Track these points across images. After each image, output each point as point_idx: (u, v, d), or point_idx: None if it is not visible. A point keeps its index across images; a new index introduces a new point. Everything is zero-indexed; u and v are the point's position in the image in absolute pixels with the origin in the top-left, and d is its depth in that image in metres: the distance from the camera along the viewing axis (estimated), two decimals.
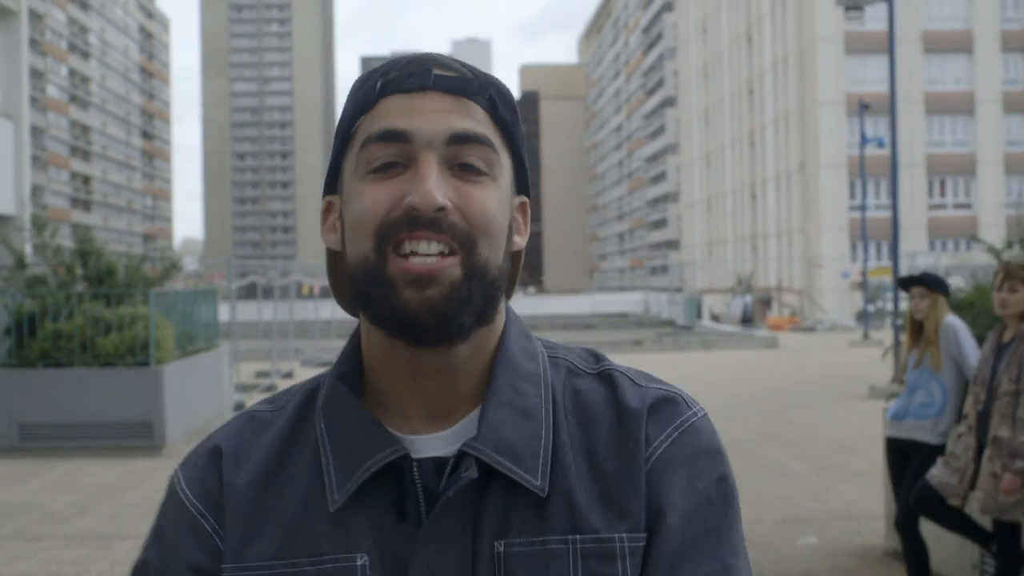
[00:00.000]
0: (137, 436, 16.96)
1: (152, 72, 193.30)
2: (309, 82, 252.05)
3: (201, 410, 19.39)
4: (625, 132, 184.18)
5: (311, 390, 1.73)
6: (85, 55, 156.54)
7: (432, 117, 1.59)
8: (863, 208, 48.65)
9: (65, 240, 21.79)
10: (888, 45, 25.95)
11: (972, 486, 7.49)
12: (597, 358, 1.72)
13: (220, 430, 1.74)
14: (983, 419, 7.43)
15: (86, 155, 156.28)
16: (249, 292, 38.49)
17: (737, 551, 1.61)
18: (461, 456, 1.59)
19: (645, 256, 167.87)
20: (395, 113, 1.60)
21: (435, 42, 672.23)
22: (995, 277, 7.61)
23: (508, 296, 1.75)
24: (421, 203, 1.53)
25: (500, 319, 1.66)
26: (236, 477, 1.66)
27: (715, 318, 64.94)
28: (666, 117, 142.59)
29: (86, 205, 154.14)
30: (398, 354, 1.61)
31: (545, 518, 1.58)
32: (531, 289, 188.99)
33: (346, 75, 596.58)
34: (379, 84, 1.63)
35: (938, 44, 75.98)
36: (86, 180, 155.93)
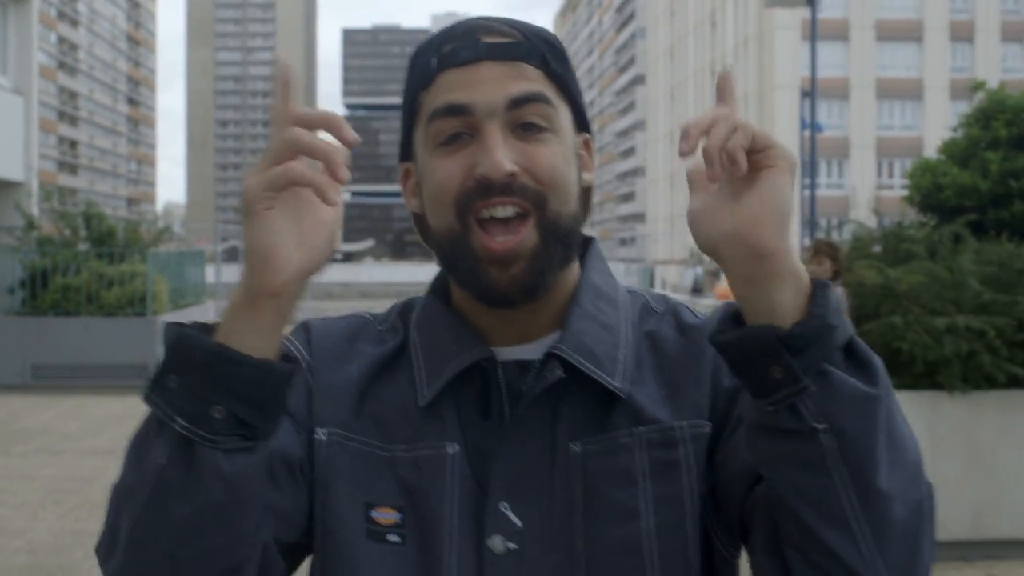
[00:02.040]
0: (135, 377, 19.07)
1: (138, 40, 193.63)
2: (292, 52, 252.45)
3: None
4: (597, 107, 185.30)
5: (407, 308, 1.82)
6: (74, 23, 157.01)
7: (489, 86, 1.61)
8: (812, 187, 50.65)
9: (56, 204, 23.83)
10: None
11: None
12: (666, 300, 1.79)
13: (338, 320, 1.83)
14: None
15: (73, 120, 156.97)
16: (231, 255, 40.40)
17: None
18: (547, 359, 1.63)
19: (614, 228, 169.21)
20: (454, 87, 1.62)
21: (416, 15, 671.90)
22: (807, 252, 9.79)
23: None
24: (491, 172, 1.56)
25: (575, 257, 1.70)
26: (338, 366, 1.74)
27: (672, 289, 67.16)
28: (636, 94, 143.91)
29: (72, 169, 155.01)
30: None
31: (613, 417, 1.63)
32: None
33: (327, 46, 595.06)
34: (434, 60, 1.66)
35: (890, 32, 78.19)
36: (73, 144, 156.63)
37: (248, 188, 1.44)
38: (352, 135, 1.44)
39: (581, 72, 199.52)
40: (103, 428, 15.25)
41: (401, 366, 1.73)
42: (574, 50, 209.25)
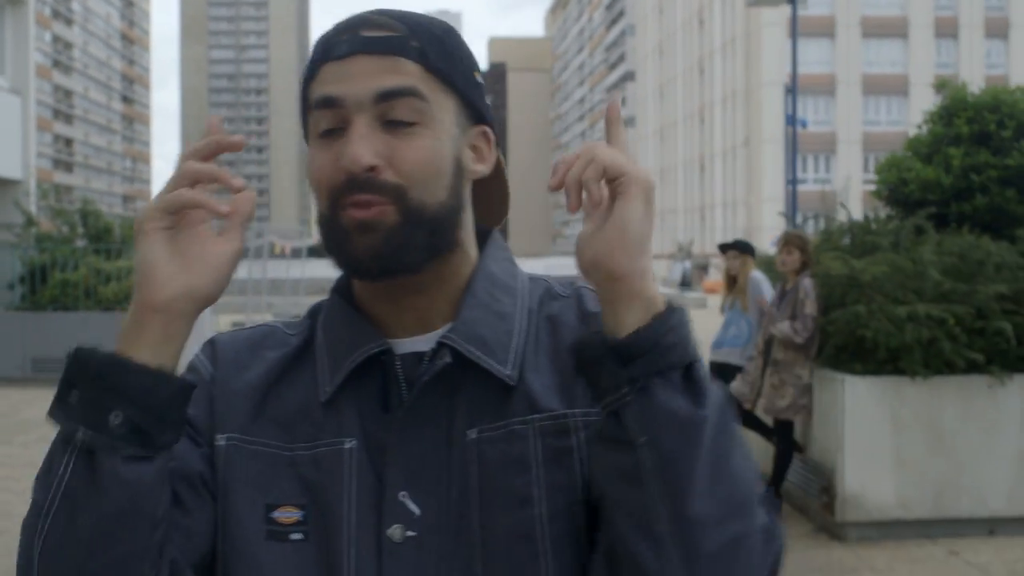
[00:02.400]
0: None
1: (132, 39, 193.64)
2: (284, 50, 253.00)
3: (185, 351, 21.80)
4: (588, 104, 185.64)
5: (316, 311, 1.84)
6: (68, 21, 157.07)
7: (359, 80, 1.62)
8: (794, 182, 51.02)
9: (53, 202, 24.29)
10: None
11: (759, 395, 10.03)
12: (573, 285, 1.81)
13: (244, 331, 1.86)
14: (768, 346, 9.97)
15: (68, 118, 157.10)
16: None
17: None
18: (439, 348, 1.66)
19: None
20: (330, 80, 1.64)
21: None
22: (778, 243, 10.16)
23: (498, 220, 1.87)
24: (350, 165, 1.58)
25: (468, 244, 1.74)
26: (237, 372, 1.77)
27: (661, 280, 67.76)
28: (627, 91, 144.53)
29: (68, 167, 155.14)
30: (374, 286, 1.70)
31: (509, 405, 1.65)
32: None
33: None
34: (319, 53, 1.68)
35: (876, 29, 78.68)
36: (68, 142, 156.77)
37: (141, 211, 1.54)
38: (238, 183, 1.56)
39: (572, 70, 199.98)
40: None
41: (305, 366, 1.76)
42: (565, 47, 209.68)
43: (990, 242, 9.72)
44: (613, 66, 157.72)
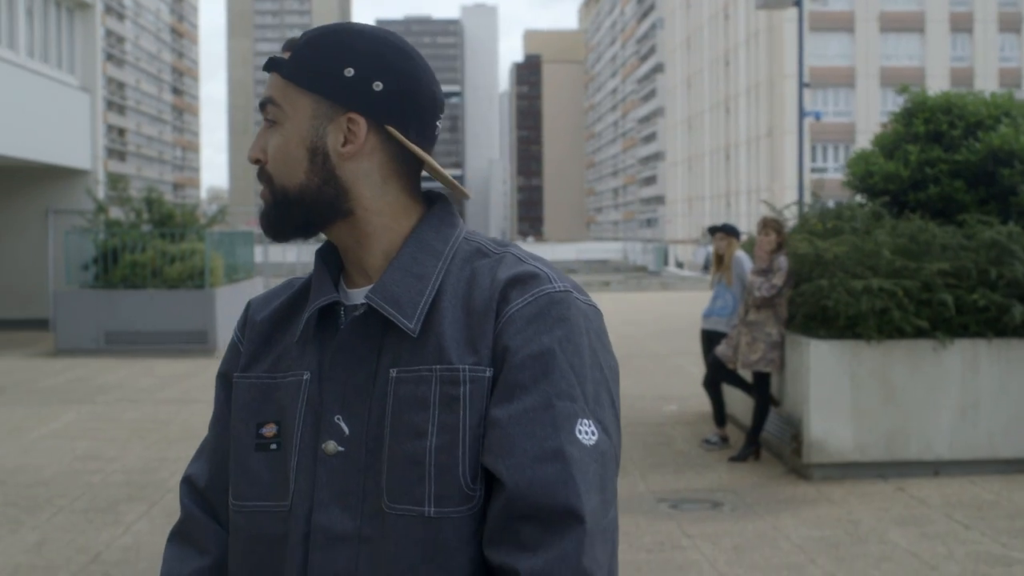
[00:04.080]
0: (195, 342, 21.00)
1: (182, 32, 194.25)
2: None
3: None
4: (620, 95, 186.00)
5: None
6: (120, 16, 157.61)
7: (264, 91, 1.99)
8: (800, 171, 52.01)
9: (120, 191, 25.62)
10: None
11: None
12: (504, 245, 1.99)
13: (271, 289, 2.22)
14: (746, 313, 11.28)
15: (121, 109, 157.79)
16: None
17: (567, 396, 1.82)
18: (363, 302, 1.94)
19: (636, 210, 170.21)
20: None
21: (447, 6, 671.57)
22: (757, 226, 11.44)
23: (462, 197, 2.06)
24: (248, 156, 1.98)
25: (384, 212, 1.96)
26: (257, 316, 2.12)
27: (680, 265, 68.80)
28: (657, 82, 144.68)
29: (121, 155, 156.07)
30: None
31: (423, 352, 1.87)
32: (530, 238, 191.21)
33: None
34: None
35: (893, 24, 79.33)
36: (121, 132, 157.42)
37: None
38: None
39: (604, 61, 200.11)
40: (170, 384, 16.99)
41: (298, 310, 2.08)
42: (598, 39, 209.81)
43: (936, 227, 10.97)
44: (644, 58, 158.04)
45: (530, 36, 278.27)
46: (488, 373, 1.84)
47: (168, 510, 9.33)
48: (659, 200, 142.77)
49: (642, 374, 17.49)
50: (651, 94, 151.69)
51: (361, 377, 1.93)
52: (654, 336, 23.74)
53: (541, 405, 1.80)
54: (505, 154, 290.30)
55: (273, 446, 1.99)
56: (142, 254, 21.64)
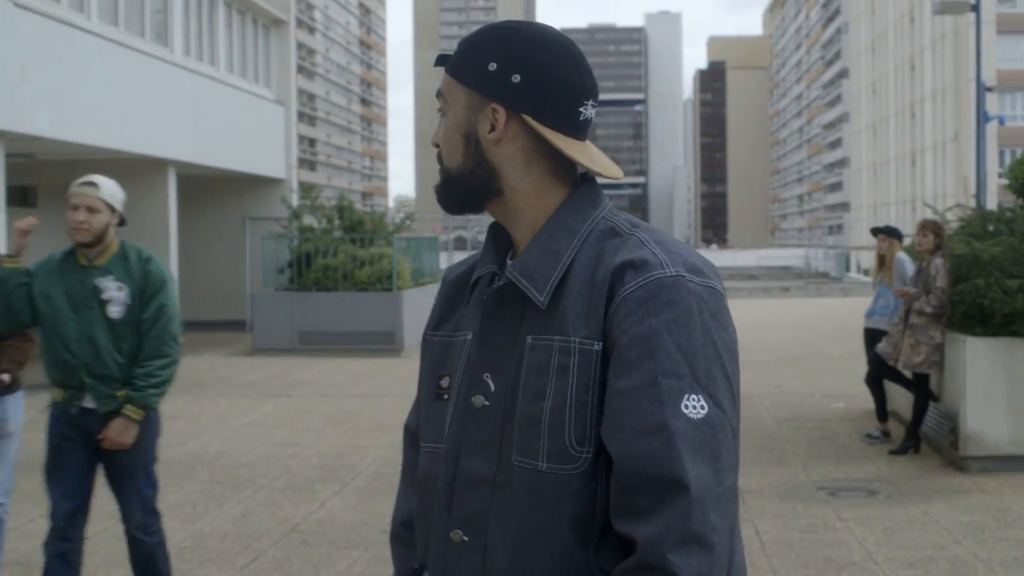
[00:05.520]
0: (383, 342, 21.93)
1: (370, 44, 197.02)
2: None
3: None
4: (805, 100, 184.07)
5: None
6: (311, 30, 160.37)
7: None
8: (979, 173, 51.11)
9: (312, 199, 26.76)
10: None
11: (900, 354, 11.73)
12: (636, 227, 2.14)
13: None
14: (907, 314, 11.69)
15: (312, 120, 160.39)
16: (459, 243, 43.19)
17: (672, 374, 1.95)
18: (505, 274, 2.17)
19: (821, 216, 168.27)
20: None
21: (631, 14, 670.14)
22: (916, 228, 11.84)
23: (599, 171, 2.16)
24: (431, 141, 2.25)
25: (531, 192, 2.17)
26: (447, 281, 2.38)
27: (865, 272, 68.16)
28: (842, 87, 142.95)
29: (311, 165, 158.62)
30: None
31: (551, 323, 2.07)
32: (713, 246, 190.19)
33: None
34: None
35: None
36: (312, 143, 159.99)
37: None
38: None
39: (789, 67, 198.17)
40: (360, 380, 17.93)
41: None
42: (782, 45, 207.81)
43: None
44: (829, 63, 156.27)
45: (714, 43, 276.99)
46: (596, 347, 2.02)
47: (359, 489, 10.16)
48: (844, 207, 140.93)
49: (813, 374, 17.90)
50: (836, 99, 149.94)
51: (506, 341, 2.14)
52: (830, 339, 24.06)
53: (647, 383, 1.95)
54: (689, 161, 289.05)
55: (445, 396, 2.23)
56: (334, 258, 22.74)
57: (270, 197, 27.56)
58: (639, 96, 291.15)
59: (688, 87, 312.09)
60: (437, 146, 2.21)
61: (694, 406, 1.94)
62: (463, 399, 2.17)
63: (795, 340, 24.35)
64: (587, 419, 2.01)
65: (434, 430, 2.24)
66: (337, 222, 24.43)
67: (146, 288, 6.01)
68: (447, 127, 2.19)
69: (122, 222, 6.15)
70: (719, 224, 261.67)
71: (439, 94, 2.23)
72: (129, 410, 5.92)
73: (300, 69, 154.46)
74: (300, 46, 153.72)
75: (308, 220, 25.22)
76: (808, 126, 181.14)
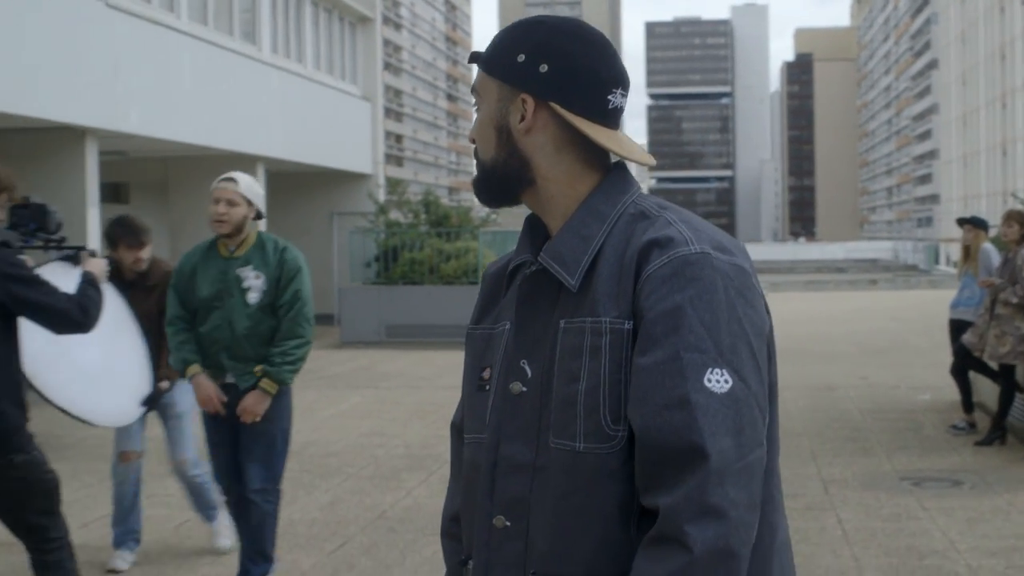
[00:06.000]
0: None
1: (456, 40, 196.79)
2: None
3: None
4: (893, 92, 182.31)
5: None
6: (397, 26, 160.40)
7: None
8: None
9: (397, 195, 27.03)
10: None
11: (986, 345, 11.68)
12: (662, 207, 2.18)
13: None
14: (993, 304, 11.63)
15: (398, 116, 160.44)
16: None
17: (695, 349, 1.98)
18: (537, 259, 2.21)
19: (911, 209, 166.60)
20: None
21: (717, 7, 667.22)
22: (1001, 218, 11.77)
23: (630, 157, 2.21)
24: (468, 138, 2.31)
25: (562, 181, 2.20)
26: (488, 275, 2.41)
27: (955, 264, 67.35)
28: (931, 78, 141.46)
29: (398, 161, 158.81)
30: None
31: (582, 306, 2.10)
32: (801, 239, 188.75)
33: (631, 39, 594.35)
34: None
35: None
36: (398, 138, 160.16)
37: None
38: None
39: (877, 58, 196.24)
40: (447, 372, 18.05)
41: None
42: (870, 36, 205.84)
43: None
44: (918, 54, 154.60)
45: (801, 35, 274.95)
46: (627, 326, 2.04)
47: (444, 478, 10.26)
48: (934, 199, 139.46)
49: (899, 366, 17.80)
50: (925, 90, 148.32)
51: (540, 327, 2.17)
52: (917, 332, 23.87)
53: (670, 357, 1.97)
54: (776, 154, 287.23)
55: (487, 387, 2.25)
56: (420, 252, 23.00)
57: (357, 192, 27.83)
58: (725, 89, 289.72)
59: (775, 80, 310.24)
60: (474, 142, 2.26)
61: (717, 380, 1.96)
62: (501, 387, 2.20)
63: (882, 332, 24.19)
64: (621, 398, 2.03)
65: (477, 420, 2.27)
66: (423, 217, 24.64)
67: (282, 275, 6.58)
68: (481, 121, 2.24)
69: (258, 216, 6.68)
70: (807, 217, 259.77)
71: (474, 90, 2.27)
72: (265, 383, 6.53)
73: (386, 66, 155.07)
74: (386, 43, 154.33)
75: (394, 215, 25.43)
76: (897, 118, 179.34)
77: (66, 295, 5.36)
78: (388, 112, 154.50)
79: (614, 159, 2.24)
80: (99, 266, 5.84)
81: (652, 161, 2.29)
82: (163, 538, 8.48)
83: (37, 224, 5.80)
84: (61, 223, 5.96)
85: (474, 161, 2.28)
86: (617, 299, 2.05)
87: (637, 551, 1.99)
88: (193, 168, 22.21)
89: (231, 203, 6.46)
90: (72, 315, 5.33)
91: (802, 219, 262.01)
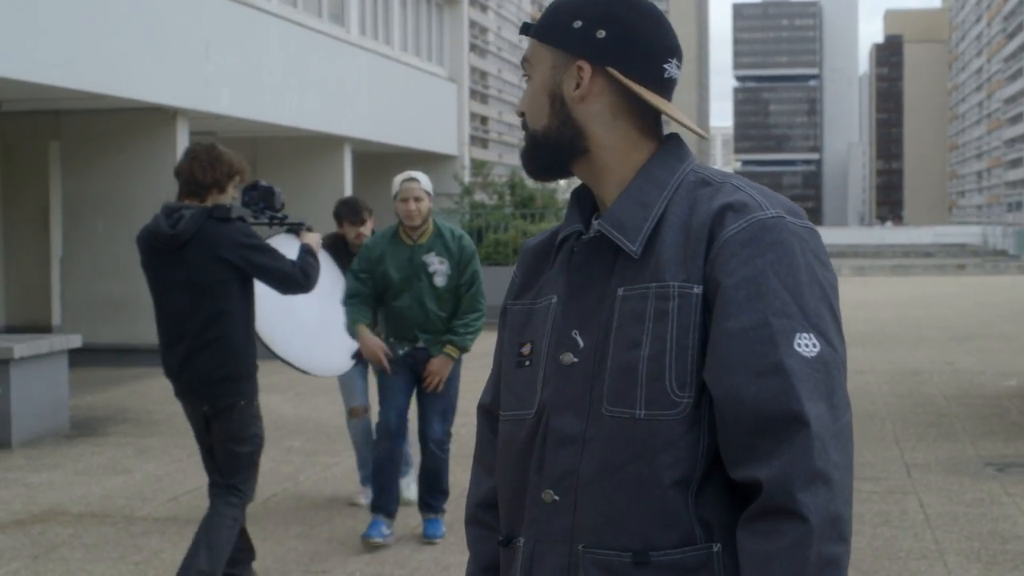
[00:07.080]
0: None
1: None
2: (684, 30, 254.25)
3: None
4: (985, 74, 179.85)
5: None
6: (483, 8, 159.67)
7: None
8: None
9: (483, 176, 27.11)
10: None
11: None
12: (725, 176, 2.13)
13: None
14: None
15: (483, 98, 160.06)
16: None
17: (782, 314, 1.94)
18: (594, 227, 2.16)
19: (1002, 193, 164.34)
20: None
21: None
22: None
23: (698, 135, 2.30)
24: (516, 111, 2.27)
25: (618, 149, 2.15)
26: (527, 250, 2.35)
27: None
28: None
29: (483, 143, 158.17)
30: None
31: (644, 272, 2.05)
32: (888, 223, 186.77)
33: (719, 21, 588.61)
34: None
35: None
36: (483, 120, 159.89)
37: None
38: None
39: (969, 40, 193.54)
40: None
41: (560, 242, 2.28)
42: (962, 18, 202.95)
43: None
44: (1011, 35, 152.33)
45: (891, 16, 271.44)
46: (697, 290, 1.99)
47: None
48: None
49: (985, 352, 17.65)
50: (1018, 73, 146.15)
51: (595, 296, 2.10)
52: (1005, 318, 23.64)
53: (759, 323, 1.92)
54: (864, 137, 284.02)
55: (528, 363, 2.19)
56: (504, 233, 23.11)
57: (442, 173, 27.87)
58: (813, 71, 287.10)
59: (864, 62, 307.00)
60: (522, 115, 2.21)
61: (806, 344, 1.92)
62: (552, 360, 2.14)
63: (968, 318, 23.96)
64: (688, 363, 1.98)
65: (516, 397, 2.21)
66: (508, 198, 24.80)
67: (462, 259, 7.55)
68: (532, 91, 2.19)
69: None
70: (895, 201, 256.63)
71: (524, 60, 2.22)
72: (450, 349, 7.53)
73: (472, 47, 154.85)
74: (472, 24, 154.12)
75: (479, 196, 25.54)
76: (988, 100, 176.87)
77: (291, 261, 6.08)
78: (473, 93, 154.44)
79: (666, 131, 2.22)
80: (315, 239, 6.49)
81: (704, 134, 2.30)
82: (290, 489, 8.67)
83: (264, 203, 6.40)
84: (283, 202, 6.53)
85: None
86: (685, 264, 2.01)
87: (738, 530, 1.95)
88: (281, 148, 22.41)
89: (418, 199, 7.43)
90: (296, 278, 6.05)
91: (889, 203, 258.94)
